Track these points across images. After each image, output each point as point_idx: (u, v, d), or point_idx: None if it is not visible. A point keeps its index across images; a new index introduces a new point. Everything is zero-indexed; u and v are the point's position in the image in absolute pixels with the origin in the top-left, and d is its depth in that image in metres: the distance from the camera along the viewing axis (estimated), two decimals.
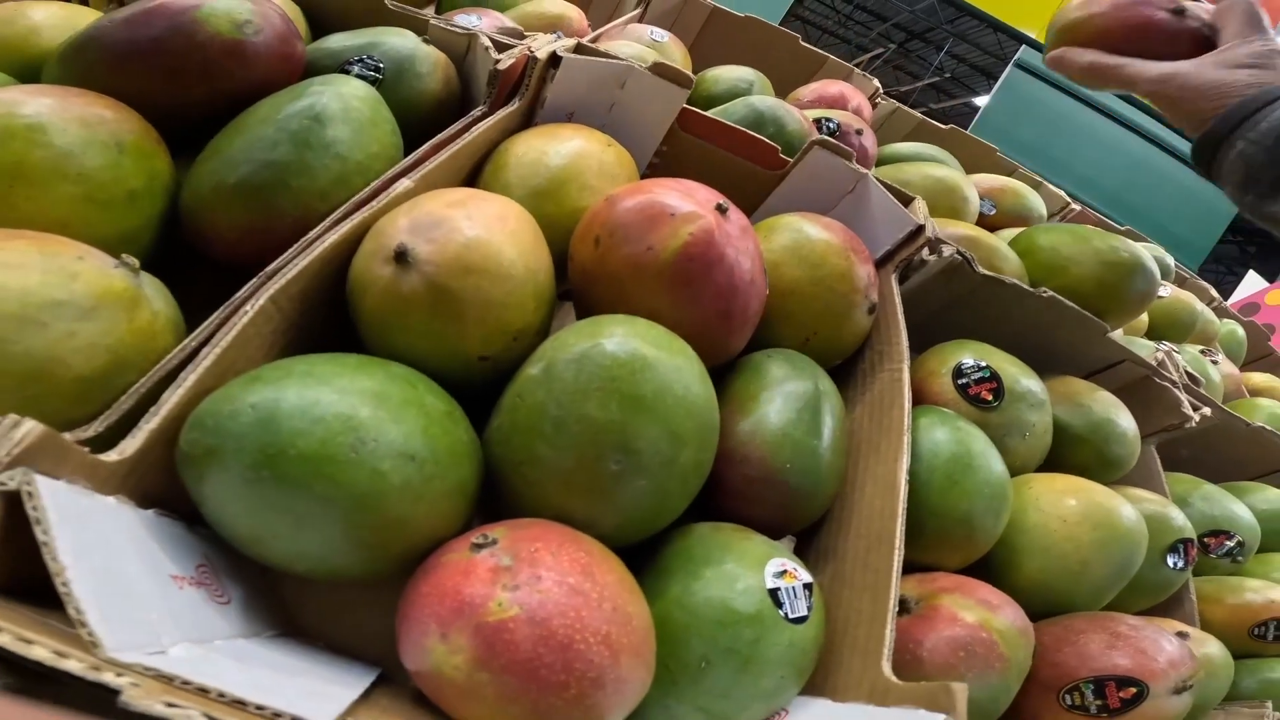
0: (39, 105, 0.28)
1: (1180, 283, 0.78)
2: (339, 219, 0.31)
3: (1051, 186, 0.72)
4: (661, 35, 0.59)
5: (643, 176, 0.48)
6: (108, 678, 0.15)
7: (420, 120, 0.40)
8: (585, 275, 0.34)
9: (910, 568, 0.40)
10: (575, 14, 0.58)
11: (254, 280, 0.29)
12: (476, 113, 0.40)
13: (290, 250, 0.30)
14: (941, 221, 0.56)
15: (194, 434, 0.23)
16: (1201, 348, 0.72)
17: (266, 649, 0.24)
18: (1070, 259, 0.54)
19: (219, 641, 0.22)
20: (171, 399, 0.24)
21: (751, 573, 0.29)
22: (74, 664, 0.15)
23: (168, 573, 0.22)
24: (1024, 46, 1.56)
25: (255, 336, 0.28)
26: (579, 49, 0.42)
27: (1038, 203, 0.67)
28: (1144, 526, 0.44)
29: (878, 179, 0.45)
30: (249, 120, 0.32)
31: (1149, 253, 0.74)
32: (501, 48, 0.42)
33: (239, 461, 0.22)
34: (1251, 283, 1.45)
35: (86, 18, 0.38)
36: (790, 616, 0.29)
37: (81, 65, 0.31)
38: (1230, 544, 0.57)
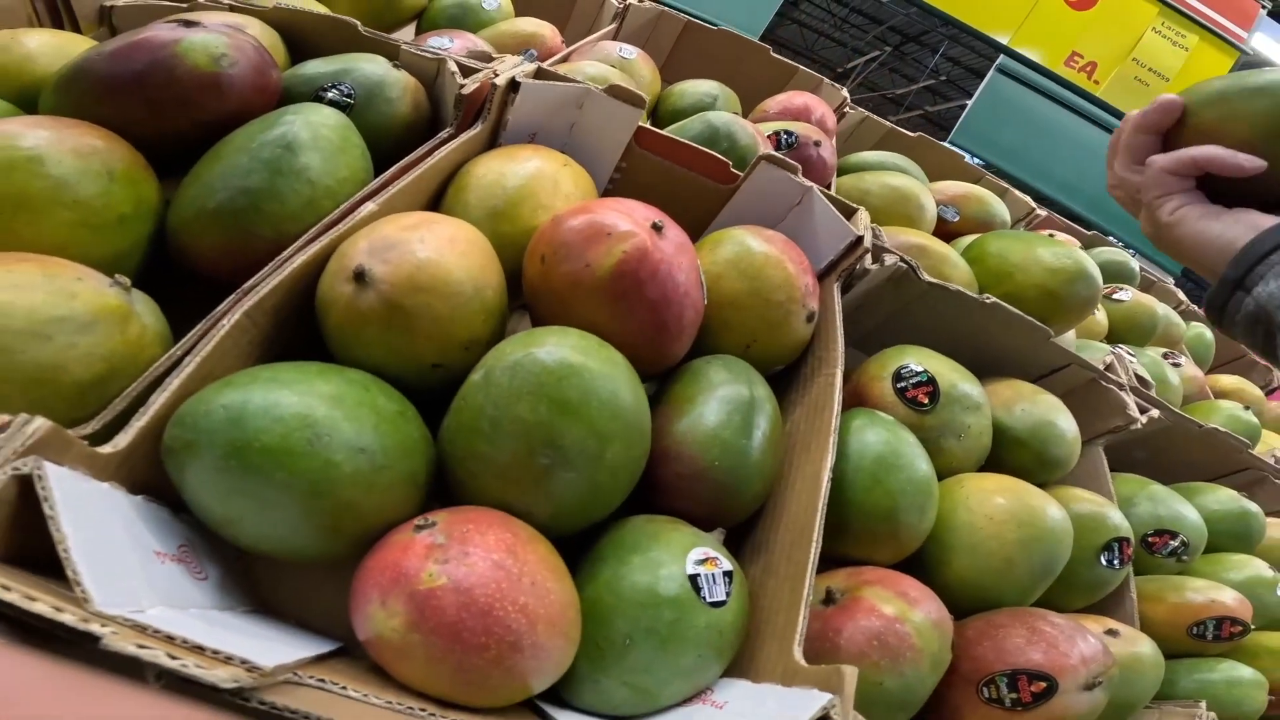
0: (37, 138, 0.31)
1: (1148, 287, 0.80)
2: (309, 240, 0.35)
3: (1017, 193, 0.74)
4: (630, 52, 0.62)
5: (604, 193, 0.52)
6: (94, 627, 0.19)
7: (391, 142, 0.44)
8: (533, 290, 0.38)
9: (843, 561, 0.43)
10: (549, 32, 0.61)
11: (231, 297, 0.32)
12: (444, 135, 0.43)
13: (265, 269, 0.34)
14: (896, 230, 0.59)
15: (175, 430, 0.27)
16: (1164, 350, 0.74)
17: (236, 618, 0.28)
18: (1016, 265, 0.56)
19: (193, 610, 0.26)
20: (158, 401, 0.28)
21: (675, 560, 0.32)
22: (68, 616, 0.19)
23: (151, 548, 0.26)
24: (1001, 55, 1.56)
25: (232, 347, 0.32)
26: (539, 74, 0.45)
27: (1001, 209, 0.69)
28: (1069, 526, 0.46)
29: (823, 191, 0.48)
30: (226, 148, 0.36)
31: (1111, 256, 0.77)
32: (468, 71, 0.45)
33: (211, 453, 0.26)
34: None
35: (79, 46, 0.41)
36: (709, 600, 0.32)
37: (74, 95, 0.35)
38: (1174, 544, 0.58)
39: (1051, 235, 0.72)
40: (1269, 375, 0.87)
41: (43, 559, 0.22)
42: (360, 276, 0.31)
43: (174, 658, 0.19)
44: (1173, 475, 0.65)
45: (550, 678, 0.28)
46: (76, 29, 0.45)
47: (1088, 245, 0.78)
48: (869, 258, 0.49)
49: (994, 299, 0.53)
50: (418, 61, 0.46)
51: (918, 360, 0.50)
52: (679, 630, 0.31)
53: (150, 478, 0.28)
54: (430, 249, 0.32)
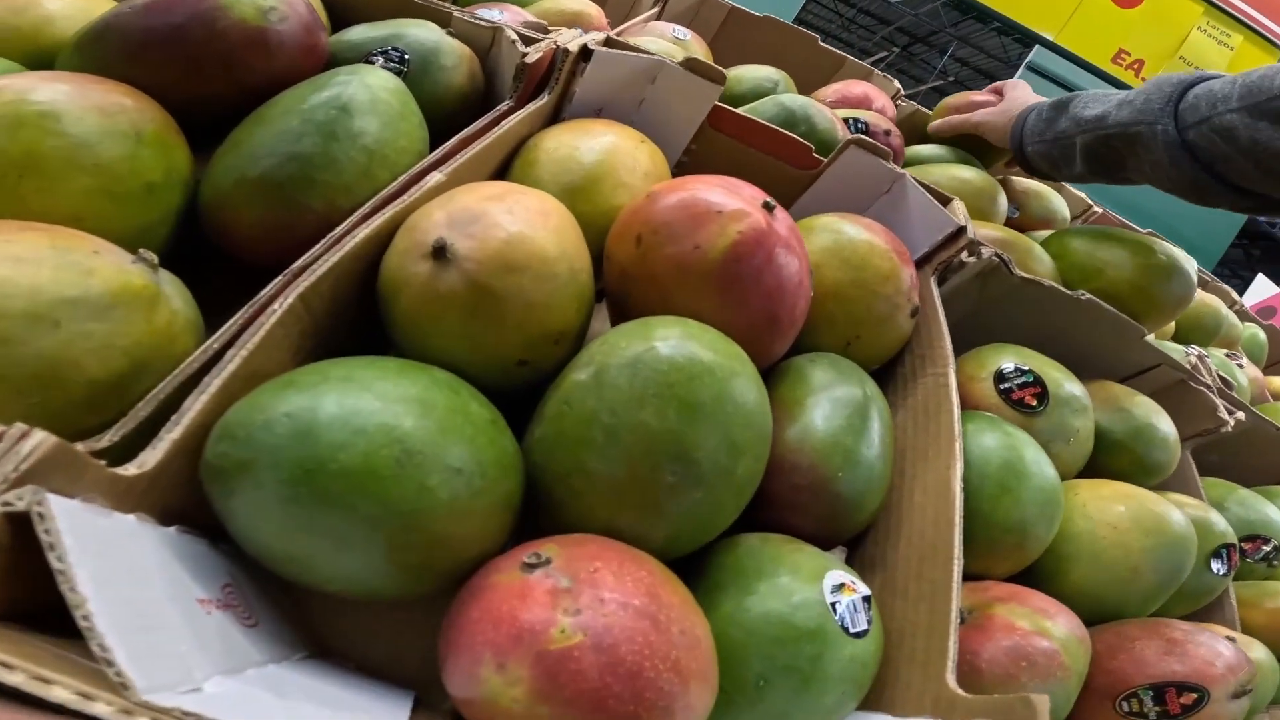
0: (53, 92, 0.26)
1: (1202, 286, 0.77)
2: (368, 214, 0.30)
3: (1072, 189, 0.71)
4: (684, 33, 0.58)
5: (672, 175, 0.47)
6: None
7: (445, 114, 0.39)
8: (625, 276, 0.33)
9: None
10: (595, 11, 0.57)
11: (280, 278, 0.27)
12: (503, 107, 0.38)
13: (318, 246, 0.28)
14: (986, 225, 0.55)
15: (223, 446, 0.21)
16: (1226, 351, 0.71)
17: (299, 675, 0.22)
18: (1107, 261, 0.53)
19: (251, 670, 0.20)
20: (195, 406, 0.22)
21: (808, 586, 0.28)
22: (102, 707, 0.14)
23: (194, 597, 0.20)
24: (1037, 47, 1.56)
25: (284, 338, 0.26)
26: (609, 43, 0.40)
27: (1061, 205, 0.66)
28: (1193, 532, 0.43)
29: (916, 179, 0.44)
30: (271, 111, 0.31)
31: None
32: (528, 41, 0.40)
33: (274, 477, 0.20)
34: (1261, 286, 1.45)
35: (104, 6, 0.36)
36: (852, 631, 0.27)
37: (98, 54, 0.30)
38: (1267, 549, 0.56)
39: (1136, 233, 0.69)
40: None
41: (39, 610, 0.16)
42: (440, 253, 0.26)
43: None
44: (1247, 478, 0.63)
45: None
46: None
47: None
48: (965, 250, 0.45)
49: (1089, 295, 0.49)
50: (472, 30, 0.41)
51: (1017, 359, 0.46)
52: (822, 667, 0.26)
53: (182, 499, 0.22)
54: (520, 222, 0.27)
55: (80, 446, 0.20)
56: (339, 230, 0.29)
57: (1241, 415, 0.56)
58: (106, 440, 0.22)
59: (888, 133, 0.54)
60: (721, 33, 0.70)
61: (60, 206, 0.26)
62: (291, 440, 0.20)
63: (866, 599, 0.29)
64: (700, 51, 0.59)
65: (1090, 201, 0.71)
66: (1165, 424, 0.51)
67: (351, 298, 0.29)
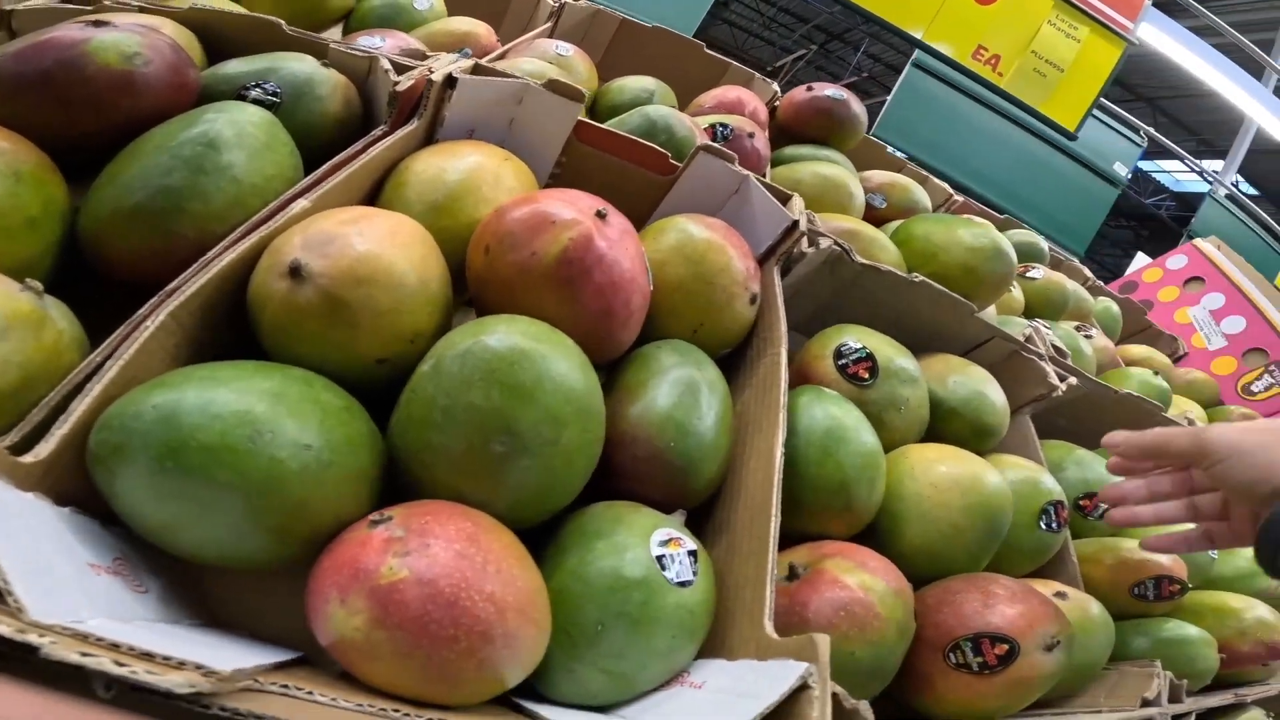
0: None
1: (1057, 265, 0.87)
2: (237, 239, 0.34)
3: (937, 181, 0.79)
4: (567, 49, 0.63)
5: (545, 187, 0.52)
6: (32, 638, 0.18)
7: (323, 142, 0.43)
8: (479, 281, 0.38)
9: (802, 537, 0.44)
10: (484, 30, 0.62)
11: (154, 299, 0.31)
12: (377, 133, 0.43)
13: (190, 269, 0.32)
14: (828, 216, 0.62)
15: (102, 434, 0.26)
16: (1076, 324, 0.81)
17: (185, 630, 0.27)
18: (940, 246, 0.60)
19: (138, 622, 0.25)
20: (80, 407, 0.27)
21: (639, 542, 0.33)
22: (3, 628, 0.18)
23: (85, 561, 0.24)
24: (917, 51, 1.68)
25: (158, 350, 0.30)
26: (476, 69, 0.45)
27: (923, 196, 0.74)
28: (1007, 490, 0.48)
29: (758, 179, 0.51)
30: (144, 147, 0.34)
31: (1023, 237, 0.83)
32: (401, 69, 0.45)
33: (145, 455, 0.25)
34: (1139, 263, 1.61)
35: None
36: (676, 580, 0.32)
37: None
38: (1105, 506, 0.59)
39: (969, 218, 0.77)
40: (1175, 345, 0.96)
41: None
42: (295, 271, 0.31)
43: (121, 664, 0.18)
44: (1094, 441, 0.70)
45: (524, 669, 0.28)
46: None
47: (1001, 228, 0.84)
48: (805, 242, 0.52)
49: (922, 277, 0.56)
50: (348, 60, 0.46)
51: (856, 338, 0.52)
52: (649, 612, 0.31)
53: (76, 490, 0.27)
54: (370, 241, 0.32)
55: (5, 450, 0.24)
56: (210, 254, 0.33)
57: (1074, 380, 0.63)
58: (8, 440, 0.26)
59: (751, 135, 0.61)
60: (614, 44, 0.76)
61: None
62: (157, 425, 0.25)
63: (692, 553, 0.34)
64: (582, 66, 0.64)
65: (951, 191, 0.80)
66: (995, 392, 0.57)
67: (225, 313, 0.34)
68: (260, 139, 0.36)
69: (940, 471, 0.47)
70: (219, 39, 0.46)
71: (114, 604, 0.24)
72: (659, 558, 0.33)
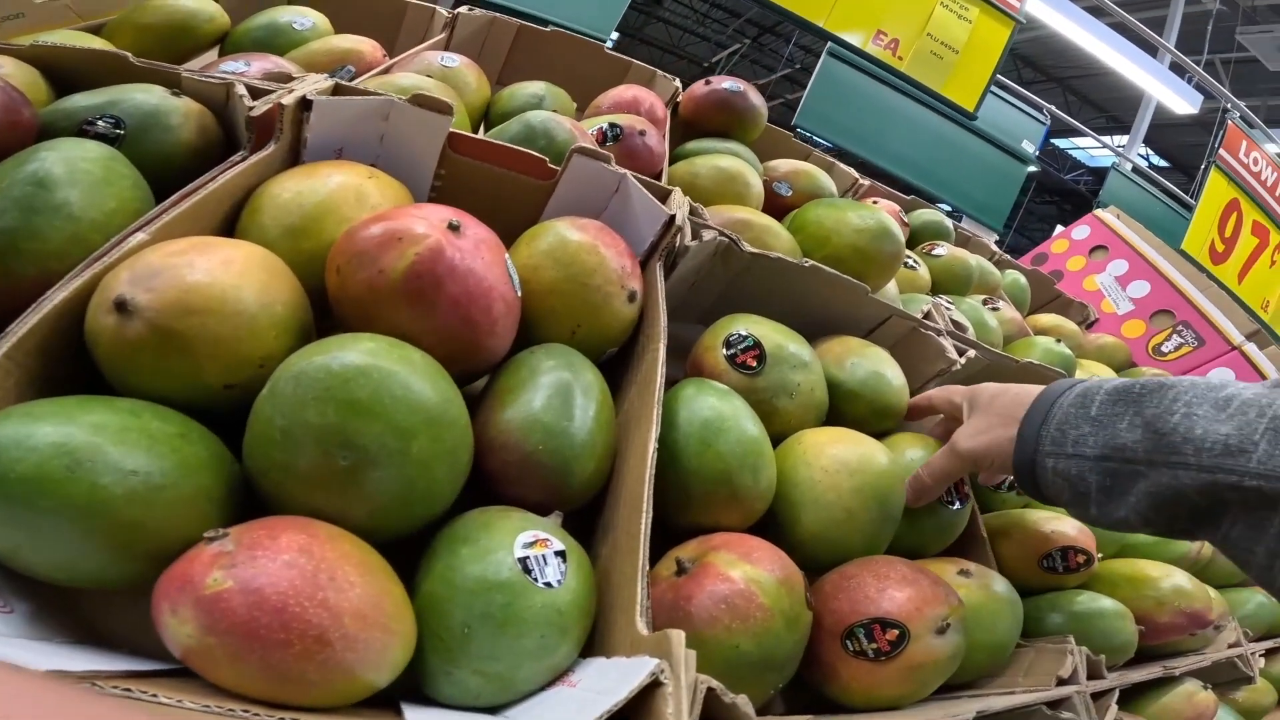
0: None
1: (964, 242, 0.90)
2: (73, 276, 0.34)
3: (843, 166, 0.82)
4: (453, 60, 0.63)
5: (429, 200, 0.53)
6: None
7: (178, 171, 0.43)
8: (335, 301, 0.39)
9: (696, 531, 0.44)
10: (368, 47, 0.62)
11: None
12: (235, 159, 0.43)
13: (28, 310, 0.33)
14: (724, 208, 0.64)
15: None
16: (985, 297, 0.84)
17: (51, 646, 0.28)
18: (832, 230, 0.62)
19: None
20: None
21: (503, 545, 0.34)
22: None
23: None
24: (829, 43, 1.73)
25: None
26: (338, 89, 0.46)
27: (828, 182, 0.76)
28: (897, 468, 0.48)
29: (637, 177, 0.52)
30: None
31: (927, 217, 0.86)
32: (259, 94, 0.45)
33: None
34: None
35: None
36: (541, 581, 0.33)
37: None
38: (1009, 478, 0.60)
39: (869, 201, 0.79)
40: (1085, 312, 1.00)
41: None
42: (121, 306, 0.31)
43: None
44: None
45: (382, 671, 0.29)
46: None
47: (908, 209, 0.87)
48: (689, 235, 0.53)
49: (812, 262, 0.58)
50: (203, 88, 0.46)
51: (745, 327, 0.54)
52: (514, 612, 0.32)
53: None
54: (201, 272, 0.33)
55: None
56: (48, 294, 0.33)
57: (973, 353, 0.65)
58: None
59: (642, 133, 0.62)
60: (514, 51, 0.76)
61: None
62: None
63: (560, 553, 0.35)
64: (471, 76, 0.65)
65: (856, 175, 0.82)
66: (892, 370, 0.58)
67: (65, 350, 0.34)
68: (96, 174, 0.36)
69: (830, 455, 0.48)
70: (65, 75, 0.46)
71: None
72: (523, 559, 0.34)
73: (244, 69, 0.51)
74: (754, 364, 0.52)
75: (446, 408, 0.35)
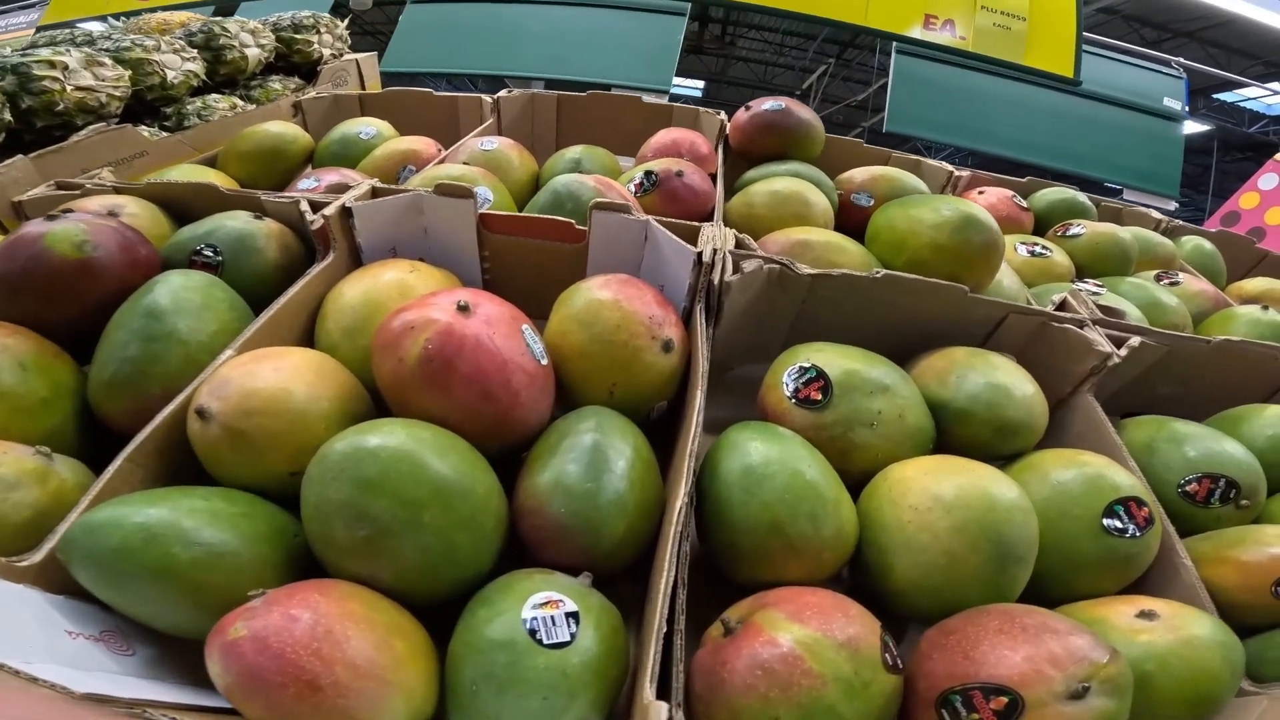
0: None
1: (1113, 216, 0.75)
2: (183, 393, 0.43)
3: (931, 162, 0.74)
4: (492, 143, 0.70)
5: (483, 283, 0.58)
6: None
7: (270, 286, 0.53)
8: (382, 390, 0.44)
9: (758, 587, 0.41)
10: (423, 145, 0.71)
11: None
12: (312, 270, 0.52)
13: (148, 424, 0.42)
14: (783, 232, 0.61)
15: (59, 545, 0.36)
16: (1158, 272, 0.69)
17: (149, 682, 0.35)
18: (906, 232, 0.56)
19: (101, 674, 0.33)
20: (62, 528, 0.37)
21: (512, 606, 0.36)
22: None
23: (63, 628, 0.34)
24: (895, 43, 1.58)
25: (122, 485, 0.40)
26: (374, 193, 0.53)
27: (915, 182, 0.70)
28: (1015, 496, 0.41)
29: (659, 220, 0.52)
30: (110, 326, 0.46)
31: (1054, 195, 0.73)
32: (319, 207, 0.54)
33: (78, 558, 0.35)
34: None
35: None
36: (546, 642, 0.34)
37: None
38: (1219, 487, 0.50)
39: (974, 192, 0.70)
40: None
41: None
42: (202, 414, 0.39)
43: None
44: (1212, 405, 0.58)
45: (376, 715, 0.32)
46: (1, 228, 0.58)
47: (1025, 191, 0.75)
48: (728, 269, 0.51)
49: (884, 271, 0.53)
50: (281, 208, 0.56)
51: (807, 357, 0.50)
52: (516, 673, 0.33)
53: (71, 582, 0.37)
54: (258, 379, 0.40)
55: (3, 559, 0.35)
56: (165, 409, 0.42)
57: (1136, 341, 0.54)
58: (27, 561, 0.37)
59: (679, 174, 0.62)
60: (561, 118, 0.82)
61: None
62: (83, 535, 0.35)
63: (572, 614, 0.36)
64: (512, 155, 0.70)
65: (951, 169, 0.73)
66: (1014, 378, 0.50)
67: (181, 450, 0.43)
68: (197, 301, 0.46)
69: (921, 490, 0.42)
70: (176, 206, 0.59)
71: (82, 660, 0.34)
72: (529, 619, 0.35)
73: (314, 185, 0.61)
74: (819, 397, 0.48)
75: (459, 480, 0.37)
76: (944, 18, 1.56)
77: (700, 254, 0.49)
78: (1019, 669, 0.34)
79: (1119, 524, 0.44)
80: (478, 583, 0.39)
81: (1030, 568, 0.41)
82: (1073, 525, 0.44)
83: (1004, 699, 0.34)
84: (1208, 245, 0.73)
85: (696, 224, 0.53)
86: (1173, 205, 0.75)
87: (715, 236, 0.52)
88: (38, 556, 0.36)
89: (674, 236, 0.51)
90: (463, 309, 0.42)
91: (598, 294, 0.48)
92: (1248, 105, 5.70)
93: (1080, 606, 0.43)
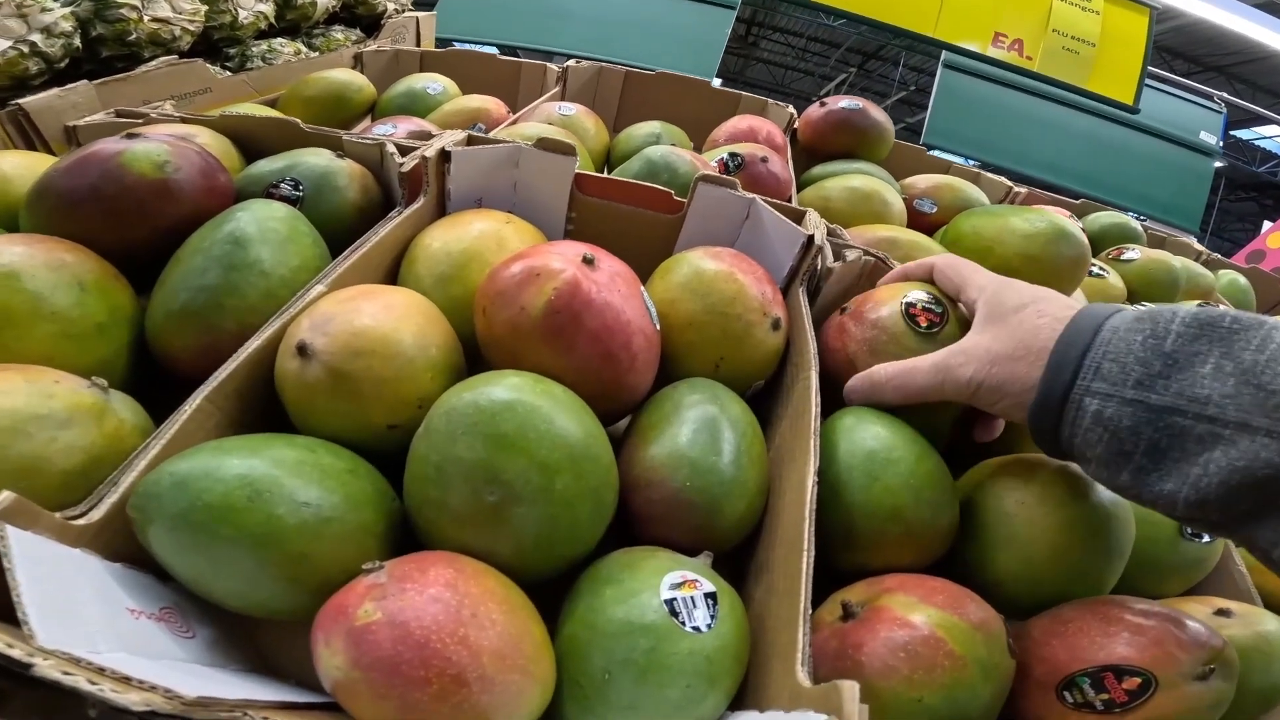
0: (12, 254, 0.36)
1: (1159, 244, 0.78)
2: (266, 327, 0.39)
3: (991, 176, 0.75)
4: (570, 109, 0.67)
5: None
6: (36, 660, 0.21)
7: (347, 227, 0.48)
8: (483, 343, 0.41)
9: (864, 573, 0.41)
10: (493, 104, 0.68)
11: (199, 389, 0.36)
12: (393, 214, 0.48)
13: (229, 360, 0.37)
14: (864, 228, 0.61)
15: (133, 501, 0.30)
16: (1199, 302, 0.71)
17: (223, 673, 0.30)
18: (994, 239, 0.57)
19: (167, 660, 0.28)
20: (126, 480, 0.31)
21: (648, 586, 0.32)
22: (17, 652, 0.21)
23: (124, 605, 0.28)
24: (944, 53, 1.63)
25: (196, 430, 0.35)
26: (471, 141, 0.50)
27: (977, 194, 0.70)
28: (1117, 496, 0.40)
29: (767, 200, 0.50)
30: (184, 251, 0.41)
31: (1108, 219, 0.76)
32: (406, 151, 0.50)
33: (162, 516, 0.29)
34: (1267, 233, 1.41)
35: (47, 163, 0.47)
36: (688, 625, 0.31)
37: (42, 212, 0.41)
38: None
39: (1022, 207, 0.71)
40: None
41: (9, 615, 0.24)
42: (303, 350, 0.34)
43: (94, 683, 0.20)
44: None
45: (518, 717, 0.28)
46: (48, 149, 0.52)
47: (1080, 213, 0.77)
48: (830, 256, 0.50)
49: None
50: (361, 149, 0.52)
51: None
52: (658, 659, 0.30)
53: (129, 546, 0.31)
54: (367, 317, 0.36)
55: (57, 514, 0.29)
56: (246, 343, 0.38)
57: None
58: (78, 511, 0.31)
59: (764, 160, 0.61)
60: (625, 97, 0.80)
61: (34, 349, 0.36)
62: (171, 490, 0.29)
63: (711, 595, 0.33)
64: (589, 122, 0.68)
65: (1010, 184, 0.75)
66: None
67: (260, 394, 0.38)
68: (282, 232, 0.42)
69: (1026, 485, 0.42)
70: (249, 140, 0.54)
71: (144, 643, 0.27)
72: (669, 601, 0.32)
73: (392, 131, 0.57)
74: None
75: (590, 444, 0.34)
76: (1013, 37, 1.61)
77: (812, 236, 0.48)
78: (1150, 651, 0.35)
79: (1192, 527, 0.43)
80: (581, 561, 0.36)
81: (1123, 564, 0.42)
82: (1153, 531, 0.45)
83: (1137, 679, 0.34)
84: (1242, 280, 0.77)
85: (797, 207, 0.51)
86: (1192, 239, 0.79)
87: (817, 222, 0.50)
88: (98, 514, 0.30)
89: (783, 217, 0.50)
90: (588, 262, 0.39)
91: (711, 265, 0.46)
92: (1261, 144, 5.76)
93: (1165, 604, 0.44)
